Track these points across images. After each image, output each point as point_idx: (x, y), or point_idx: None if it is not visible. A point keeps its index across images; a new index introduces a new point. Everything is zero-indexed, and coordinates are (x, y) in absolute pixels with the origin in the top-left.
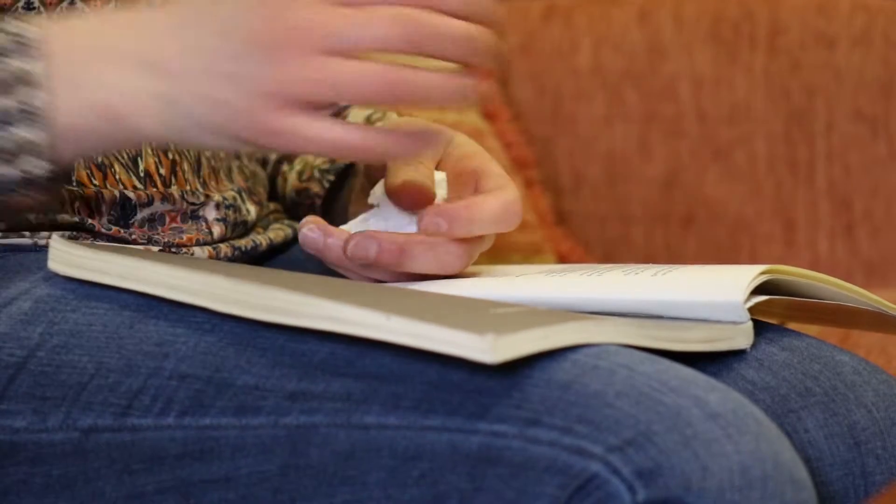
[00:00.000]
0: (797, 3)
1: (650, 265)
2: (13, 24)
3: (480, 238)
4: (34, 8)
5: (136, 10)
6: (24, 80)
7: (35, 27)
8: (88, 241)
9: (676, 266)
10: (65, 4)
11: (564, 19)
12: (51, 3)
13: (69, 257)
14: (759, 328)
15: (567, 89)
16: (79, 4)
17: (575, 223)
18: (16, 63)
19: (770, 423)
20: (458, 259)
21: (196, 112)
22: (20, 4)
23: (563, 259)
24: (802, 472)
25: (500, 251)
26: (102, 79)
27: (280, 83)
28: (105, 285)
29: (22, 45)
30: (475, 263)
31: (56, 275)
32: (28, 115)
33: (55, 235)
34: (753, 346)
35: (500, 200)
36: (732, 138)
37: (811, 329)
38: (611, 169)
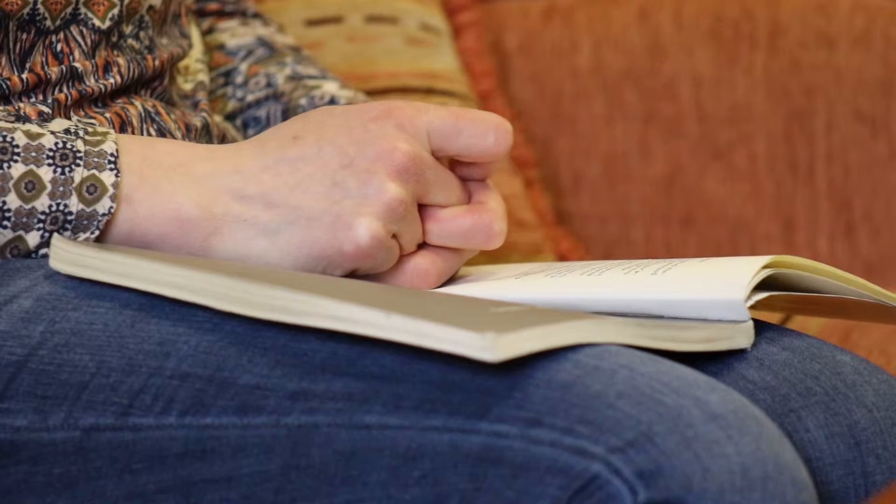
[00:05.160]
0: (797, 3)
1: (649, 261)
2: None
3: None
4: (39, 14)
5: (215, 147)
6: (95, 187)
7: (111, 141)
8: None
9: (676, 261)
10: (69, 10)
11: (564, 19)
12: (55, 9)
13: (70, 255)
14: (760, 328)
15: (567, 89)
16: (82, 10)
17: (575, 223)
18: (89, 171)
19: (771, 423)
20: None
21: (298, 239)
22: (25, 11)
23: (562, 259)
24: (803, 473)
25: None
26: (176, 189)
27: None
28: (106, 284)
29: (99, 157)
30: (474, 262)
31: (57, 273)
32: (92, 222)
33: (56, 234)
34: (754, 345)
35: (473, 217)
36: (732, 138)
37: (812, 328)
38: (611, 169)
